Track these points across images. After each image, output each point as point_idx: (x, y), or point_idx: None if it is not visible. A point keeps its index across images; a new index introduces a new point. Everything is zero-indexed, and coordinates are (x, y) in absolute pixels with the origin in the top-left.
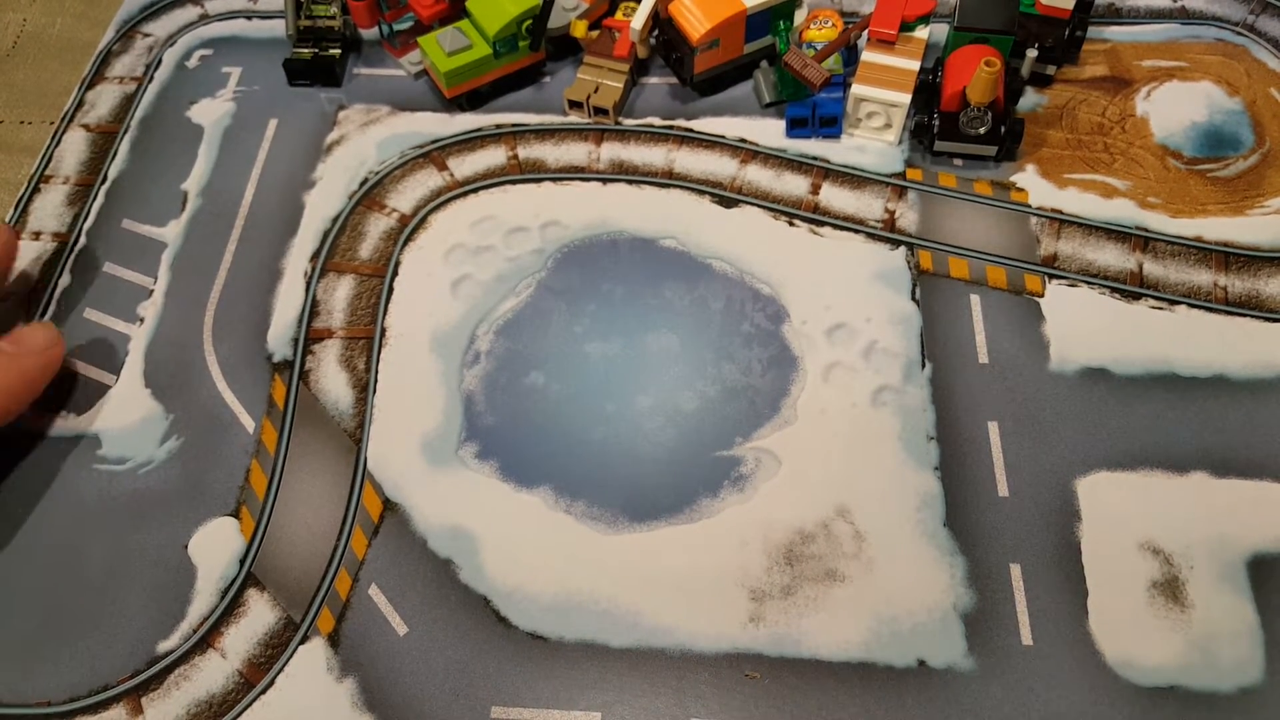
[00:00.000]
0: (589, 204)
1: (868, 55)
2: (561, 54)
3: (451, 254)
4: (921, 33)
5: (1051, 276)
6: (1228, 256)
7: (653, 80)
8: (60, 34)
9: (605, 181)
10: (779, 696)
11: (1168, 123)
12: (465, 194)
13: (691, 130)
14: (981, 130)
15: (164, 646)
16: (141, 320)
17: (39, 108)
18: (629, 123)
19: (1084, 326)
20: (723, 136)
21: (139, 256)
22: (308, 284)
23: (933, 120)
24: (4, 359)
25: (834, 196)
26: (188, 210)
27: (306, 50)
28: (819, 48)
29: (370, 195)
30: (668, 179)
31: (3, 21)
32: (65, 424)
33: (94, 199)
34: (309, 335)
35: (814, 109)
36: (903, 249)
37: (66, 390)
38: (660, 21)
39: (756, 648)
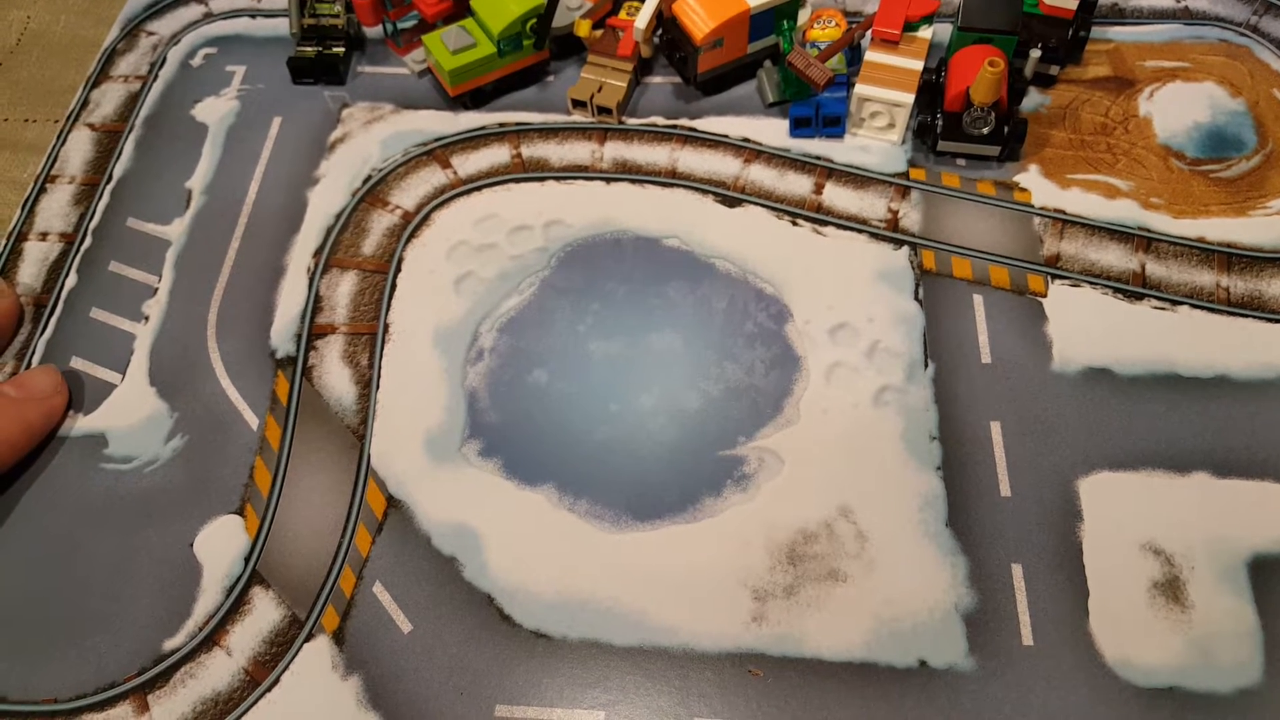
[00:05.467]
0: (592, 203)
1: (871, 55)
2: (565, 53)
3: (455, 251)
4: (925, 32)
5: (1054, 277)
6: (1230, 257)
7: (656, 79)
8: (64, 32)
9: (609, 180)
10: (781, 696)
11: (1171, 123)
12: (468, 192)
13: (695, 130)
14: (985, 130)
15: (170, 644)
16: (146, 319)
17: (43, 106)
18: (632, 122)
19: (1087, 327)
20: (726, 136)
21: (144, 255)
22: (311, 280)
23: (936, 120)
24: (7, 404)
25: (837, 196)
26: (192, 208)
27: (310, 49)
28: (822, 47)
29: (373, 192)
30: (671, 178)
31: (6, 19)
32: (72, 423)
33: (99, 198)
34: (312, 331)
35: (817, 109)
36: (906, 249)
37: (72, 389)
38: (664, 21)
39: (759, 647)
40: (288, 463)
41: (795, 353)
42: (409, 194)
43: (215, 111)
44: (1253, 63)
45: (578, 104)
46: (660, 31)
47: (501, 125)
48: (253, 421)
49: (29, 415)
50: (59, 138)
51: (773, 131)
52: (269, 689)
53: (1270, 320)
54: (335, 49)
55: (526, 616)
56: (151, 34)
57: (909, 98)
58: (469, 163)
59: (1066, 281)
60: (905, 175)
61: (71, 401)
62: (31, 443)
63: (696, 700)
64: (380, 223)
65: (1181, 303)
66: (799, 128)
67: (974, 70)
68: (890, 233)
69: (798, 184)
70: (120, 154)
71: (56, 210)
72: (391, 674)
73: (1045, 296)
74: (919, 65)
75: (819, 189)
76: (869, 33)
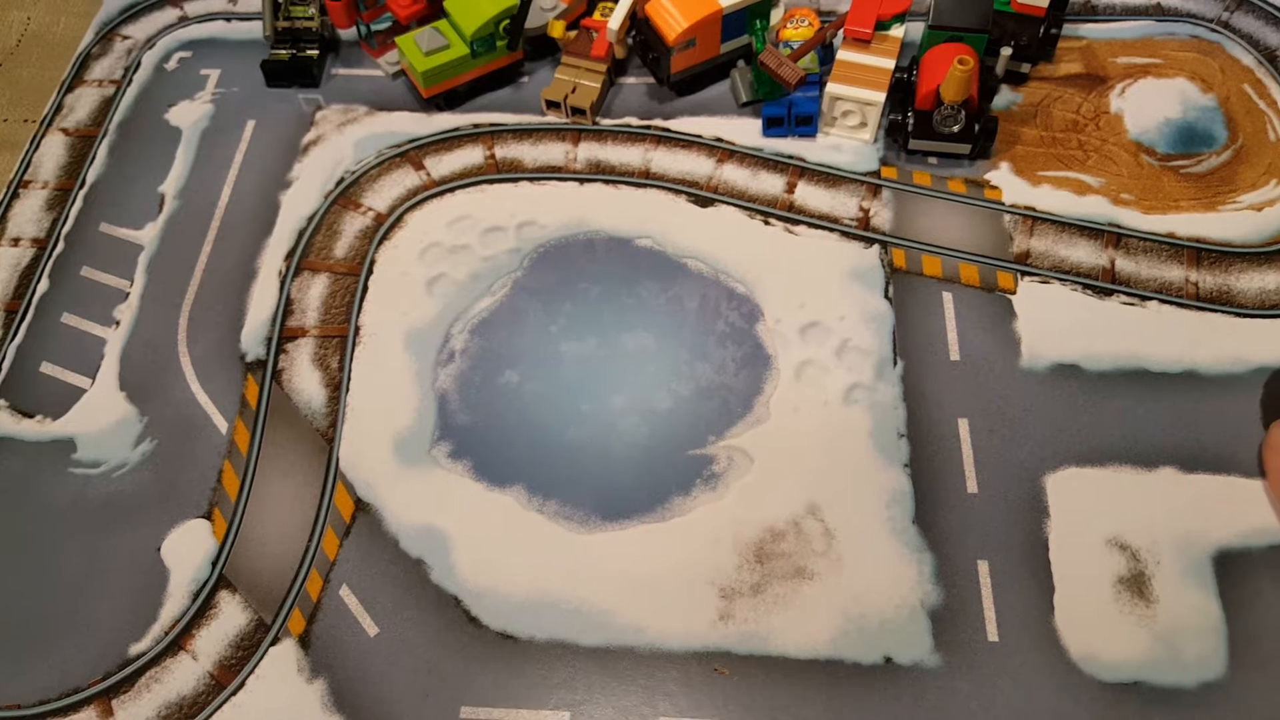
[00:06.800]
0: (566, 203)
1: (843, 54)
2: (540, 54)
3: (427, 253)
4: (897, 31)
5: (1024, 274)
6: (1199, 252)
7: (630, 80)
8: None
9: (582, 181)
10: (746, 694)
11: (1142, 119)
12: (442, 193)
13: (668, 130)
14: (955, 128)
15: (136, 649)
16: (117, 323)
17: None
18: (606, 122)
19: (1055, 323)
20: (700, 136)
21: (116, 260)
22: (282, 283)
23: (907, 119)
24: None
25: (809, 195)
26: (164, 212)
27: (284, 51)
28: (795, 47)
29: (346, 194)
30: (644, 179)
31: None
32: (41, 428)
33: (72, 203)
34: (282, 334)
35: (790, 108)
36: (876, 247)
37: (42, 394)
38: (637, 21)
39: (725, 645)
40: (256, 466)
41: (766, 351)
42: (382, 196)
43: (189, 115)
44: (1224, 59)
45: (552, 105)
46: (633, 32)
47: (476, 126)
48: (222, 425)
49: None
50: (32, 142)
51: (746, 131)
52: (234, 693)
53: (1239, 315)
54: (309, 51)
55: (493, 618)
56: (126, 38)
57: (880, 96)
58: (442, 164)
59: (1036, 278)
60: (877, 174)
61: None
62: None
63: (662, 699)
64: (352, 225)
65: (1150, 298)
66: (772, 127)
67: (945, 69)
68: (862, 231)
69: (770, 183)
70: (94, 159)
71: (29, 215)
72: (357, 677)
73: (1014, 293)
74: (890, 64)
75: (791, 188)
76: (841, 32)
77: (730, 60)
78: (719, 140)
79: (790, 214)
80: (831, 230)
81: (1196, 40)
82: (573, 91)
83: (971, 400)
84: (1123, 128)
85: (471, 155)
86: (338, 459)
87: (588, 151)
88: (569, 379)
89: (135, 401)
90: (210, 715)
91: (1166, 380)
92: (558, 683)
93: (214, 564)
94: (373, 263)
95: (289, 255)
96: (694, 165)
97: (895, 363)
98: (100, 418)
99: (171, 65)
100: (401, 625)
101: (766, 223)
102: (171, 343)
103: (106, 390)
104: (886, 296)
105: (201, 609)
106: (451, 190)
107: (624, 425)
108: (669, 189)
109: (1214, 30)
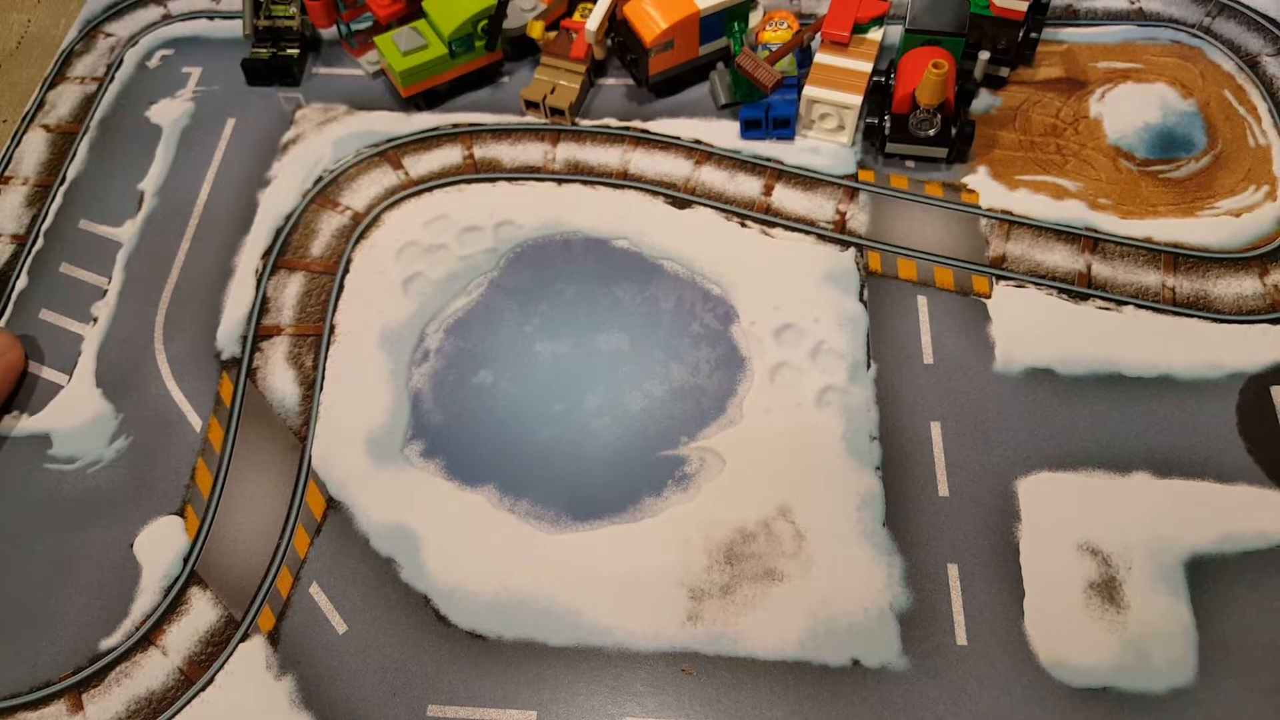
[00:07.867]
0: (543, 204)
1: (820, 57)
2: (520, 54)
3: (404, 252)
4: (875, 34)
5: (999, 278)
6: (1177, 257)
7: (610, 81)
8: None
9: (560, 182)
10: (713, 695)
11: (1121, 124)
12: (420, 193)
13: (647, 131)
14: (931, 132)
15: (106, 644)
16: (95, 320)
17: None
18: (585, 123)
19: (1030, 327)
20: (678, 138)
21: (94, 257)
22: (259, 281)
23: (884, 122)
24: None
25: (786, 198)
26: (144, 210)
27: (265, 50)
28: (774, 49)
29: (324, 193)
30: (622, 180)
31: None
32: (17, 424)
33: (52, 200)
34: (258, 333)
35: (767, 111)
36: (852, 250)
37: (20, 390)
38: (616, 23)
39: (694, 646)
40: (229, 464)
41: (740, 353)
42: (359, 195)
43: (170, 113)
44: (1205, 64)
45: (531, 105)
46: (612, 33)
47: (455, 126)
48: (196, 423)
49: None
50: (14, 139)
51: (724, 133)
52: (203, 688)
53: (1215, 320)
54: (289, 50)
55: (462, 617)
56: (109, 35)
57: (857, 100)
58: (421, 163)
59: (1011, 282)
60: (854, 177)
61: (27, 357)
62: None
63: (630, 699)
64: (330, 224)
65: (1127, 303)
66: (750, 130)
67: (922, 72)
68: (838, 234)
69: (748, 185)
70: (74, 156)
71: (9, 212)
72: (325, 674)
73: (989, 298)
74: (868, 67)
75: (769, 190)
76: (819, 35)
77: (709, 62)
78: (697, 142)
79: (767, 216)
80: (808, 233)
81: (1178, 45)
82: (552, 92)
83: (944, 404)
84: (1102, 132)
85: (450, 155)
86: (310, 457)
87: (566, 152)
88: (543, 379)
89: (111, 398)
90: (179, 710)
91: (1141, 385)
92: (525, 682)
93: (186, 560)
94: (349, 262)
95: (266, 254)
96: (672, 167)
97: (869, 366)
98: (76, 414)
99: (154, 63)
100: (370, 623)
101: (743, 225)
102: (148, 340)
103: (83, 387)
104: (861, 300)
105: (172, 605)
106: (429, 190)
107: (597, 425)
108: (647, 190)
109: (1195, 35)
